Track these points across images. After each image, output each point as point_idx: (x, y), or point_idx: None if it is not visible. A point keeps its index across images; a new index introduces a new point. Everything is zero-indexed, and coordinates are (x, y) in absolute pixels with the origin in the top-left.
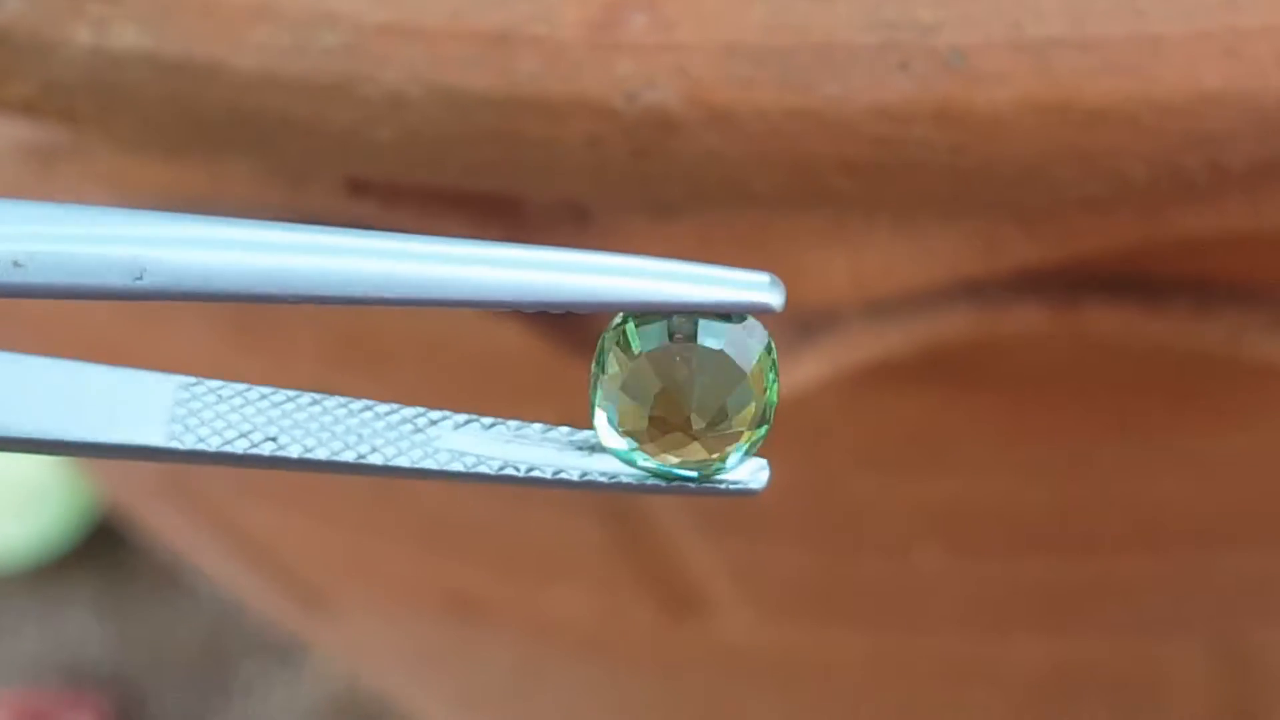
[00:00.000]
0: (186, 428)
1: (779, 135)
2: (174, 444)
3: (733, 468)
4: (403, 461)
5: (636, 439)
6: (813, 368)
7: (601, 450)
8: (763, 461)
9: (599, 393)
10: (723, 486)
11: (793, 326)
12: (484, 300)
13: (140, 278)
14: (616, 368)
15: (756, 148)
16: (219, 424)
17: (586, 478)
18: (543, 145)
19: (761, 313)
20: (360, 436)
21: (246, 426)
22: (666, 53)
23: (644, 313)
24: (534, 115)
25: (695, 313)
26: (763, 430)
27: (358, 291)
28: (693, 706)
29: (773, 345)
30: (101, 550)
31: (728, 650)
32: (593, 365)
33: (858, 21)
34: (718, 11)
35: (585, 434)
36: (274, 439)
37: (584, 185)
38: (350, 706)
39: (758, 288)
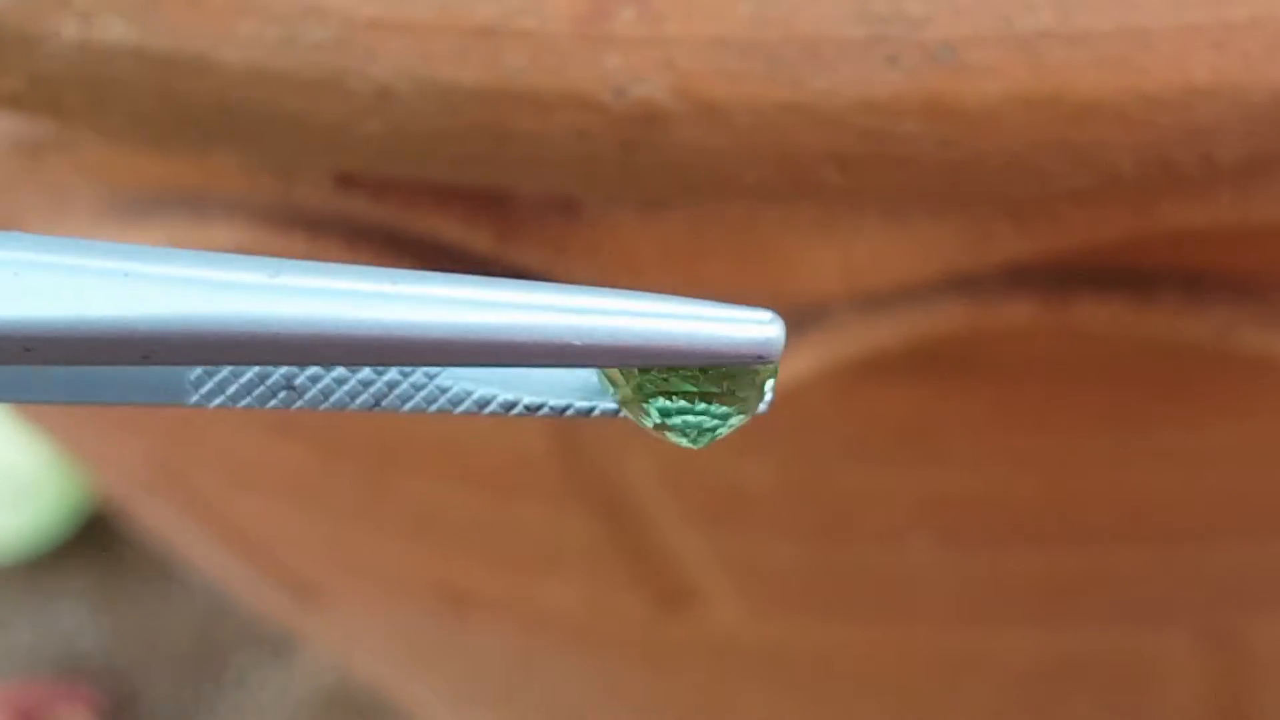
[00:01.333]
0: (208, 374)
1: (768, 129)
2: (197, 400)
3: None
4: (418, 403)
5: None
6: (803, 361)
7: None
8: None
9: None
10: None
11: (784, 320)
12: (466, 360)
13: (148, 356)
14: (619, 383)
15: (745, 141)
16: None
17: (595, 412)
18: (531, 139)
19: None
20: (376, 373)
21: (265, 371)
22: (655, 46)
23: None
24: (522, 109)
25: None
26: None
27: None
28: (685, 699)
29: None
30: (94, 543)
31: (720, 643)
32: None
33: (846, 15)
34: (706, 5)
35: None
36: (292, 386)
37: (573, 179)
38: (342, 699)
39: (757, 325)
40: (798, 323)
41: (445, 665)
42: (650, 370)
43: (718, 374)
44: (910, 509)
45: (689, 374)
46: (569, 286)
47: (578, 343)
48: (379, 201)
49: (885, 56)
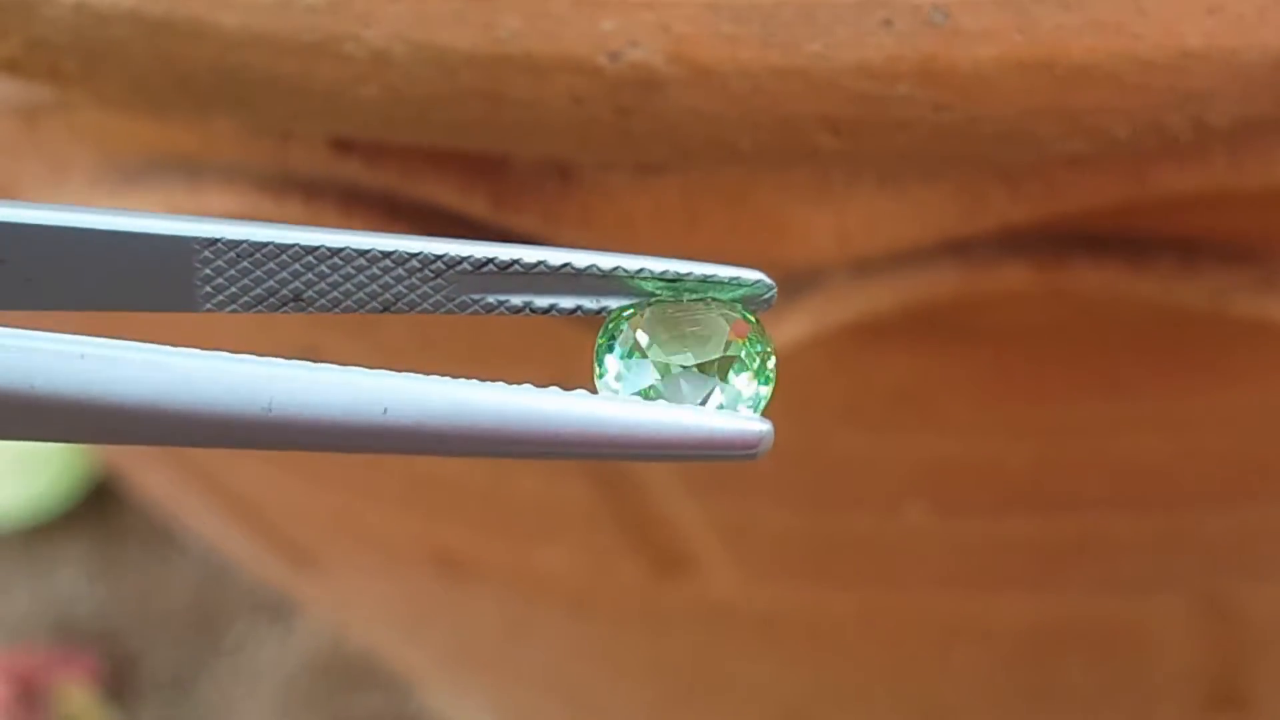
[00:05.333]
0: (214, 289)
1: (762, 93)
2: (209, 308)
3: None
4: (425, 308)
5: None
6: (798, 326)
7: None
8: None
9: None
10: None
11: (778, 285)
12: (480, 451)
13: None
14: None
15: (740, 105)
16: (245, 283)
17: (604, 310)
18: (526, 104)
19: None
20: (382, 287)
21: (272, 285)
22: (650, 10)
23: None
24: (517, 74)
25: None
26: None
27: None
28: (680, 665)
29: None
30: (93, 509)
31: (715, 609)
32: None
33: None
34: None
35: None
36: (300, 299)
37: (568, 144)
38: (339, 664)
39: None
40: (792, 288)
41: (441, 631)
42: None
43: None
44: (905, 475)
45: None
46: (571, 393)
47: (578, 439)
48: (375, 166)
49: (880, 20)
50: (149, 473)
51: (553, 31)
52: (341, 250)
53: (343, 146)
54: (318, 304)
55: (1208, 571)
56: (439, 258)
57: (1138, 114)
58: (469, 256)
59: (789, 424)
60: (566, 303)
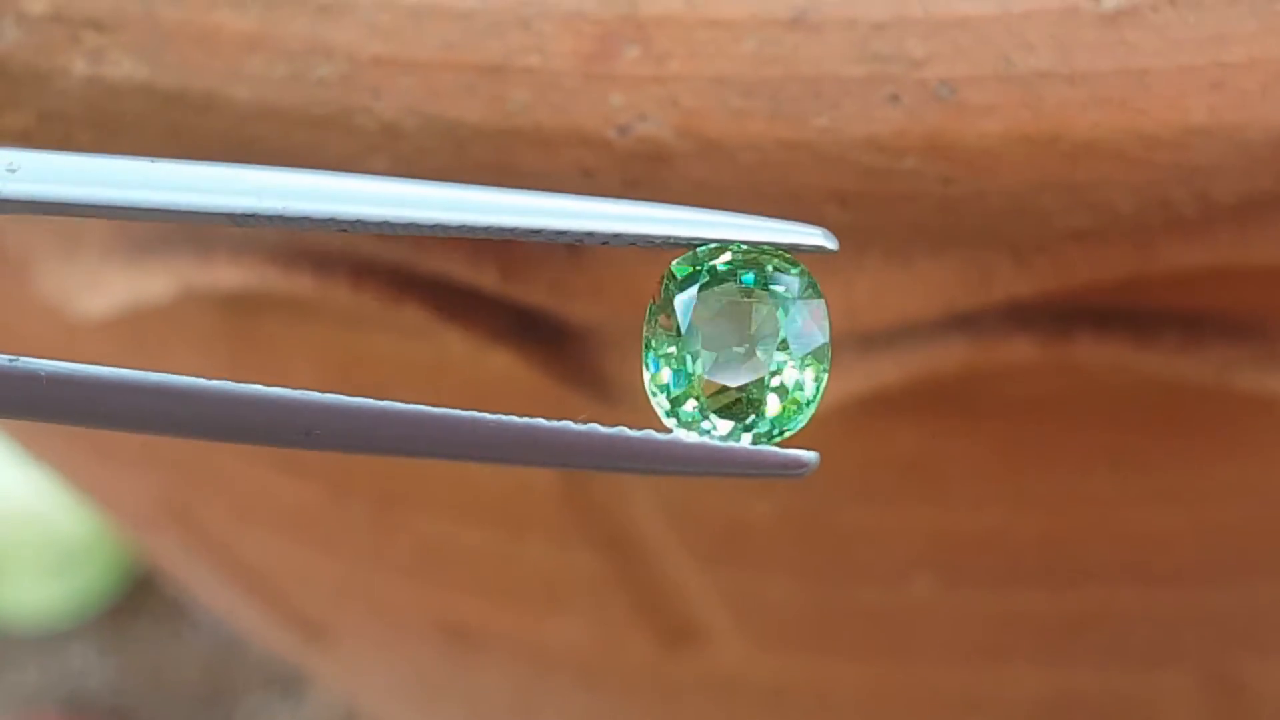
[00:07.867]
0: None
1: (770, 166)
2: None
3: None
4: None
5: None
6: None
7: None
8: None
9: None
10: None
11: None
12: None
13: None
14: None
15: (748, 179)
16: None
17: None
18: (536, 176)
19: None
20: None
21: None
22: (659, 84)
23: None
24: (527, 147)
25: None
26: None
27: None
28: None
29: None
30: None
31: (724, 680)
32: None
33: (848, 54)
34: (709, 43)
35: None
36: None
37: None
38: None
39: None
40: None
41: (451, 702)
42: None
43: None
44: (912, 547)
45: None
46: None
47: (613, 453)
48: (385, 239)
49: (887, 95)
50: (157, 543)
51: (562, 105)
52: (378, 223)
53: None
54: (357, 231)
55: (1216, 646)
56: (484, 227)
57: (1142, 189)
58: (514, 227)
59: (797, 496)
60: (622, 239)
